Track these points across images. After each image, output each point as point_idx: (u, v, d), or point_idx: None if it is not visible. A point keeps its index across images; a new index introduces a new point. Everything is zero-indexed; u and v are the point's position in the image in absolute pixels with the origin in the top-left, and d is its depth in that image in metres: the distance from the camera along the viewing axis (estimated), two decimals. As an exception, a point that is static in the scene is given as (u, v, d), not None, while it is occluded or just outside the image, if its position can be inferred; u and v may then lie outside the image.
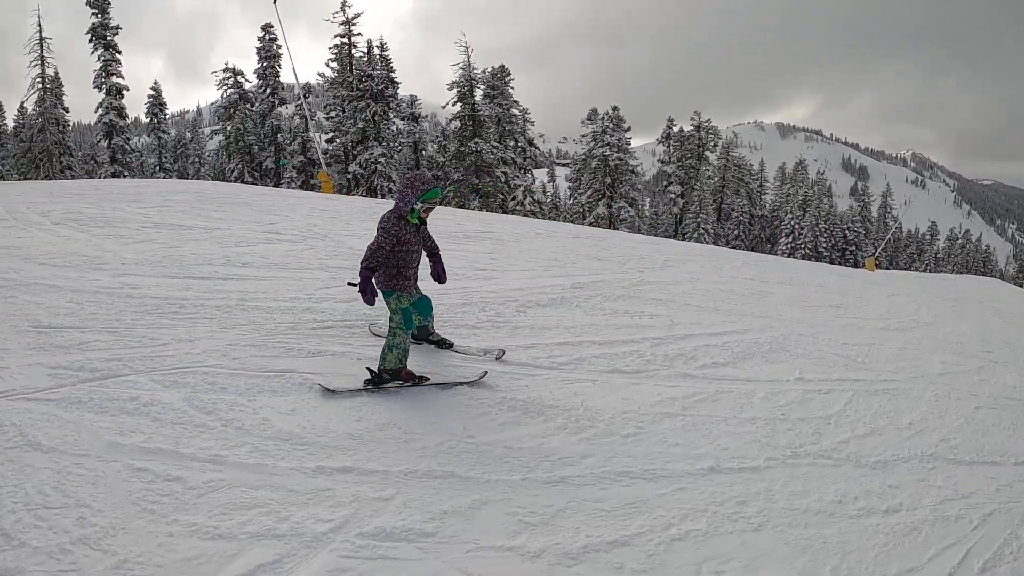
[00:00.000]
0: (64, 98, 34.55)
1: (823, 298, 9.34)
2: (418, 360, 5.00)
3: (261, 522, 2.93)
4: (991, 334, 9.57)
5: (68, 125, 35.57)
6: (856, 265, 40.71)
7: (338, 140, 36.07)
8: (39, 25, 33.69)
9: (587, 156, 38.10)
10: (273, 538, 2.84)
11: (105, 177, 31.63)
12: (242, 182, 32.64)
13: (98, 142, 35.02)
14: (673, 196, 40.79)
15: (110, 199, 10.54)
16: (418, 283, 4.88)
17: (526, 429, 4.34)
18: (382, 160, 34.98)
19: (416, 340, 5.27)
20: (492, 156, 36.84)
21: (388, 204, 10.07)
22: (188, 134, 49.55)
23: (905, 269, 49.81)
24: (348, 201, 13.92)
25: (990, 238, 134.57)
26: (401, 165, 37.73)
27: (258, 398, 4.07)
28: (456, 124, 37.40)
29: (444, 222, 11.61)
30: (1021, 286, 31.20)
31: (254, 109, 35.54)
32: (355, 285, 4.46)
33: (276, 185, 33.28)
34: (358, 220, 10.32)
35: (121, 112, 34.21)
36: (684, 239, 38.19)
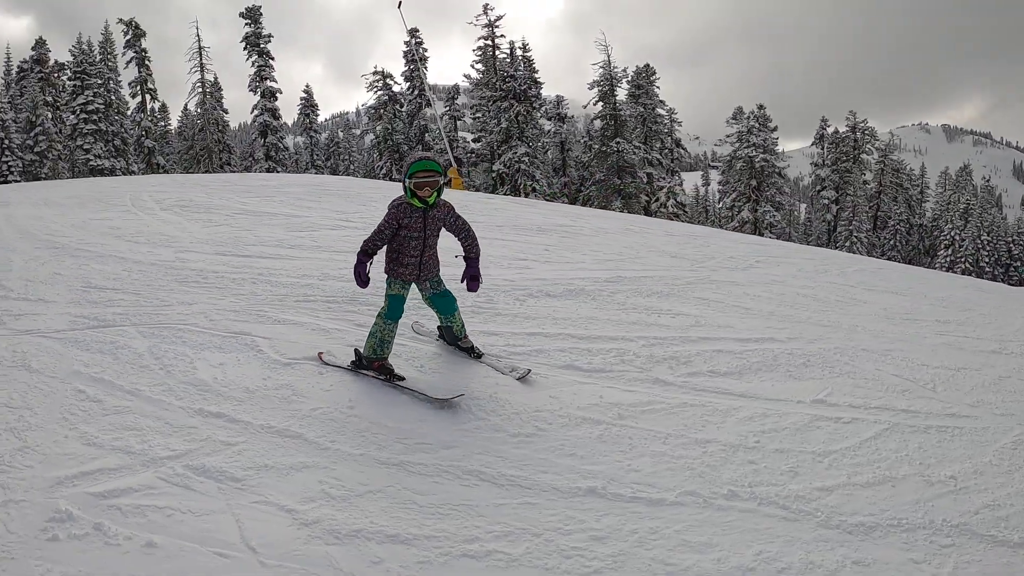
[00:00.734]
0: (223, 101, 40.17)
1: (933, 311, 7.86)
2: (437, 364, 4.90)
3: (127, 440, 3.79)
4: None
5: (227, 125, 41.13)
6: (1021, 283, 35.31)
7: (484, 139, 38.02)
8: (197, 35, 39.79)
9: (732, 157, 36.74)
10: (126, 453, 3.66)
11: (259, 172, 36.20)
12: (390, 179, 35.62)
13: (254, 141, 40.23)
14: (826, 202, 37.91)
15: (229, 190, 12.39)
16: (441, 278, 4.87)
17: (412, 410, 4.26)
18: (525, 159, 36.36)
19: (448, 344, 5.21)
20: (635, 156, 36.80)
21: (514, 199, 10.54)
22: (341, 133, 54.99)
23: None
24: (448, 194, 14.89)
25: None
26: (547, 165, 38.91)
27: (203, 352, 4.94)
28: (598, 123, 37.86)
29: (529, 215, 11.73)
30: None
31: (403, 110, 38.59)
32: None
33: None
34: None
35: (275, 113, 39.21)
36: (835, 248, 35.41)
